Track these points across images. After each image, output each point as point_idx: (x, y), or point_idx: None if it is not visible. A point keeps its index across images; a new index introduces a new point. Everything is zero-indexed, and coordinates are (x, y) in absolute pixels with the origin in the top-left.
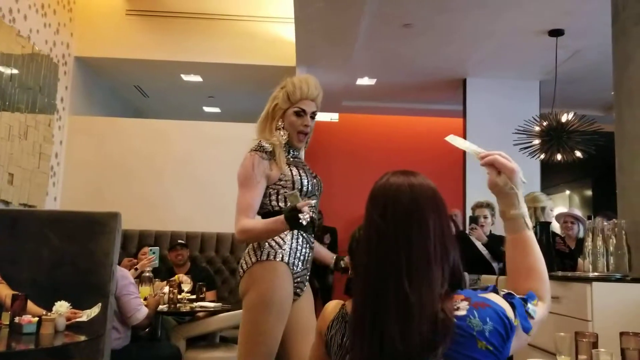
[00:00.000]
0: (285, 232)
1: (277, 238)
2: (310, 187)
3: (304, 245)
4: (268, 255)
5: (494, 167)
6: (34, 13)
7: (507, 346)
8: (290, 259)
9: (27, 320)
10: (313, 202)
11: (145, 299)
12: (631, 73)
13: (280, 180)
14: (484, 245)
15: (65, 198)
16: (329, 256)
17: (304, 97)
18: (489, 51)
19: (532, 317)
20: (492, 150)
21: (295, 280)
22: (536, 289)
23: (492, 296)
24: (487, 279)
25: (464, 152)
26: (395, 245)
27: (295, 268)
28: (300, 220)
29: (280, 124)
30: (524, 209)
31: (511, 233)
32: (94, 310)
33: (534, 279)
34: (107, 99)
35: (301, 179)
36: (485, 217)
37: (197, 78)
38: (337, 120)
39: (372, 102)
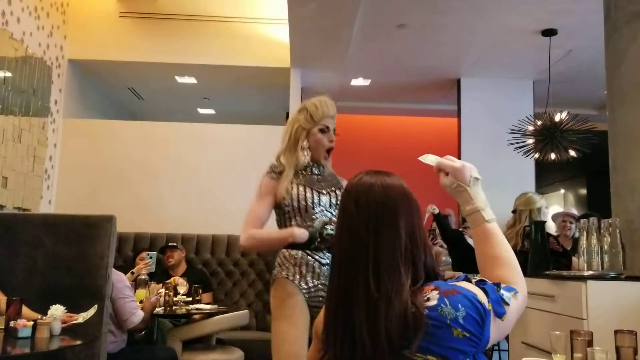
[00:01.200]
0: (294, 250)
1: (285, 255)
2: (312, 204)
3: (309, 261)
4: (278, 272)
5: (442, 170)
6: (27, 16)
7: (485, 332)
8: (296, 275)
9: (22, 324)
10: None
11: (140, 302)
12: (623, 71)
13: (284, 199)
14: None
15: (59, 201)
16: None
17: (326, 115)
18: (483, 51)
19: (506, 304)
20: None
21: (308, 294)
22: (507, 276)
23: (462, 284)
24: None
25: (459, 153)
26: (365, 241)
27: (303, 284)
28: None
29: (305, 144)
30: (478, 203)
31: (473, 227)
32: (90, 312)
33: (501, 266)
34: (101, 101)
35: (305, 197)
36: None
37: (192, 80)
38: None
39: (367, 103)
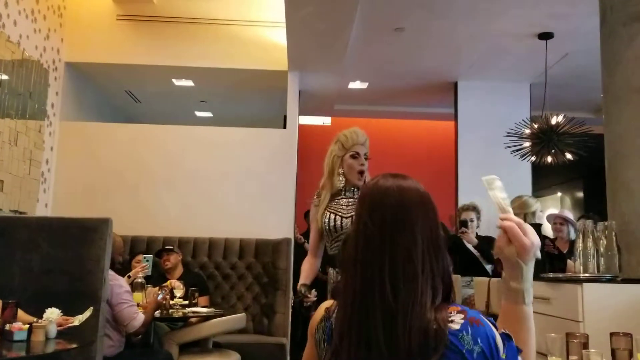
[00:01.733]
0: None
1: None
2: (339, 227)
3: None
4: None
5: (506, 234)
6: (24, 19)
7: None
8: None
9: (18, 327)
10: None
11: (137, 305)
12: (619, 74)
13: (322, 223)
14: (475, 247)
15: (56, 204)
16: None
17: (355, 142)
18: (480, 54)
19: None
20: (513, 216)
21: None
22: None
23: (487, 320)
24: (480, 281)
25: (456, 156)
26: (380, 247)
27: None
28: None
29: (340, 170)
30: (526, 284)
31: (507, 302)
32: (86, 314)
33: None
34: (98, 104)
35: (332, 222)
36: (471, 220)
37: (189, 83)
38: (329, 124)
39: (364, 106)
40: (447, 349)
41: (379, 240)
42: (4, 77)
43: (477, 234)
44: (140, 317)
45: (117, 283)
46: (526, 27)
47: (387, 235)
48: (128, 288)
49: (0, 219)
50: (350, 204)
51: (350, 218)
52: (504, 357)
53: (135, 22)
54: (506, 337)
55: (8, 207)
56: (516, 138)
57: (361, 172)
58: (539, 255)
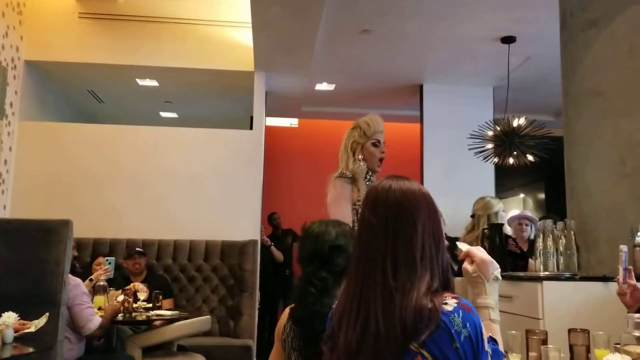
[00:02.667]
0: None
1: None
2: None
3: None
4: None
5: (469, 257)
6: None
7: None
8: None
9: None
10: None
11: (99, 308)
12: (578, 78)
13: (358, 201)
14: None
15: (15, 206)
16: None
17: (377, 130)
18: (445, 58)
19: None
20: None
21: None
22: None
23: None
24: None
25: (422, 158)
26: (383, 239)
27: None
28: None
29: (360, 156)
30: (490, 300)
31: None
32: (42, 321)
33: None
34: (59, 104)
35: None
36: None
37: (153, 83)
38: (296, 126)
39: (331, 108)
40: (438, 327)
41: (382, 231)
42: None
43: (446, 234)
44: (97, 320)
45: (74, 284)
46: (490, 31)
47: (390, 226)
48: (86, 290)
49: None
50: None
51: None
52: (488, 350)
53: (98, 20)
54: (492, 341)
55: None
56: (479, 140)
57: (382, 160)
58: (499, 276)
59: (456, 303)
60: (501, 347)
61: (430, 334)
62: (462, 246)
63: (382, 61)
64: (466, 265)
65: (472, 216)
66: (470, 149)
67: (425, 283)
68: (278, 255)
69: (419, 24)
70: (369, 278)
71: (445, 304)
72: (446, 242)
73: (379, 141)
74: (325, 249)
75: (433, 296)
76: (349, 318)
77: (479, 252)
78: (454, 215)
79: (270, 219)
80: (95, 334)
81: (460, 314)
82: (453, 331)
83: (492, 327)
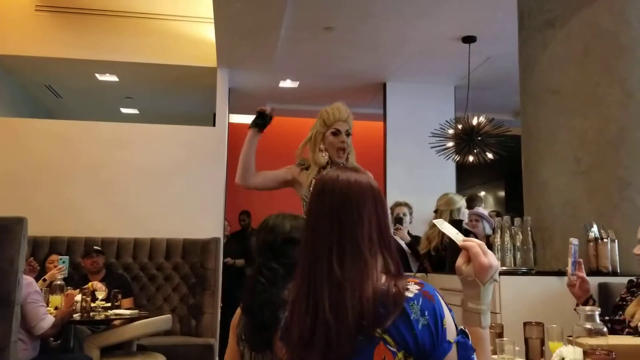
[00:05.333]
0: None
1: None
2: None
3: None
4: None
5: (467, 252)
6: None
7: (437, 354)
8: None
9: None
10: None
11: (56, 308)
12: (535, 77)
13: (308, 191)
14: (407, 245)
15: None
16: None
17: (337, 119)
18: (407, 56)
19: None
20: (475, 239)
21: None
22: None
23: (444, 305)
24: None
25: (384, 156)
26: (328, 226)
27: None
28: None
29: (322, 146)
30: (483, 305)
31: (465, 324)
32: None
33: None
34: (15, 99)
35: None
36: (404, 215)
37: (113, 78)
38: None
39: (296, 105)
40: (402, 312)
41: (327, 221)
42: None
43: (408, 231)
44: (49, 319)
45: (26, 282)
46: (451, 31)
47: (335, 217)
48: (38, 288)
49: None
50: None
51: None
52: (451, 340)
53: (56, 13)
54: (462, 334)
55: None
56: (441, 138)
57: (341, 149)
58: (497, 278)
59: (417, 289)
60: (486, 348)
61: (395, 319)
62: (441, 225)
63: (345, 58)
64: (461, 263)
65: (435, 211)
66: (432, 148)
67: (376, 271)
68: (240, 263)
69: (381, 22)
70: (315, 267)
71: (407, 289)
72: (408, 238)
73: (338, 130)
74: (277, 241)
75: (397, 280)
76: (300, 309)
77: (479, 254)
78: (416, 212)
79: (239, 219)
80: (48, 332)
81: (420, 302)
82: (412, 318)
83: (480, 334)
